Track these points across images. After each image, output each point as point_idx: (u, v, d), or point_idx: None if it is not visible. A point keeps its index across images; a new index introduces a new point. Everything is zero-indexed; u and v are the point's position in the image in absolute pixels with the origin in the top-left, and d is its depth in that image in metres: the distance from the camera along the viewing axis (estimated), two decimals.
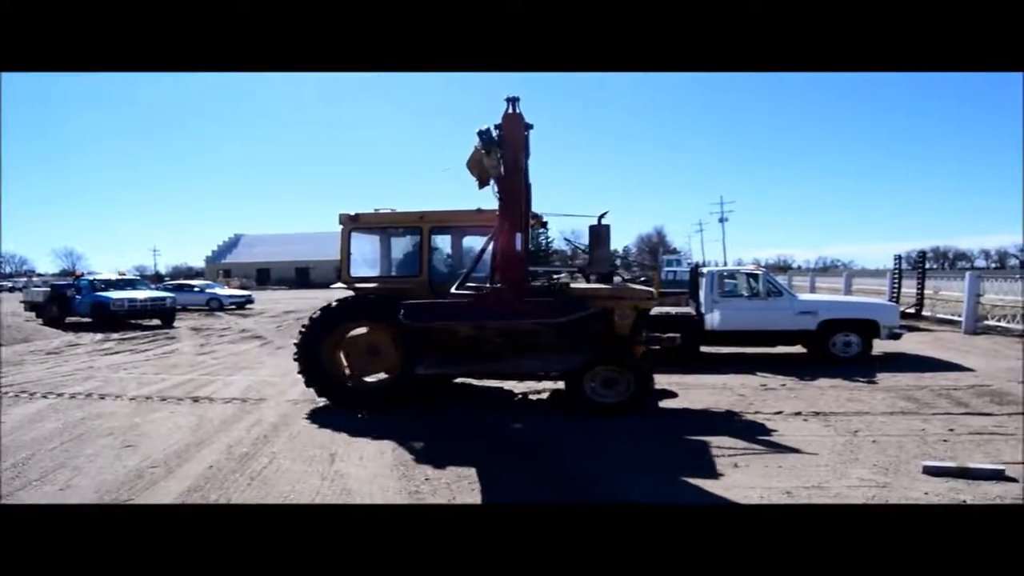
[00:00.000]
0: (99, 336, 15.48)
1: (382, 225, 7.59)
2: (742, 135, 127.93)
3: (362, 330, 7.17)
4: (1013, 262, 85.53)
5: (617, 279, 7.53)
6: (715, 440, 5.51)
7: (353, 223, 7.37)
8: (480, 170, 5.99)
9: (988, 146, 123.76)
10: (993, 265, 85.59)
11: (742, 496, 4.21)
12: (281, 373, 9.40)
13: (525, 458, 5.20)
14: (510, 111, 5.77)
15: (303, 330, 7.20)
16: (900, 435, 5.54)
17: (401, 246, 7.88)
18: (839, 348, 9.58)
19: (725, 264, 47.79)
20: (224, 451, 5.44)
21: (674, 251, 60.19)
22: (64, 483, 4.72)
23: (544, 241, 34.11)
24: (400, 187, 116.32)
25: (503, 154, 5.69)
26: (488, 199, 6.25)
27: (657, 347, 7.54)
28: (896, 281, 15.97)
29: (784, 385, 7.93)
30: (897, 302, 14.15)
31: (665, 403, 7.10)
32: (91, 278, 19.76)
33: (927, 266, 16.82)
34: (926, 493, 4.17)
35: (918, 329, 13.55)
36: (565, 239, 30.01)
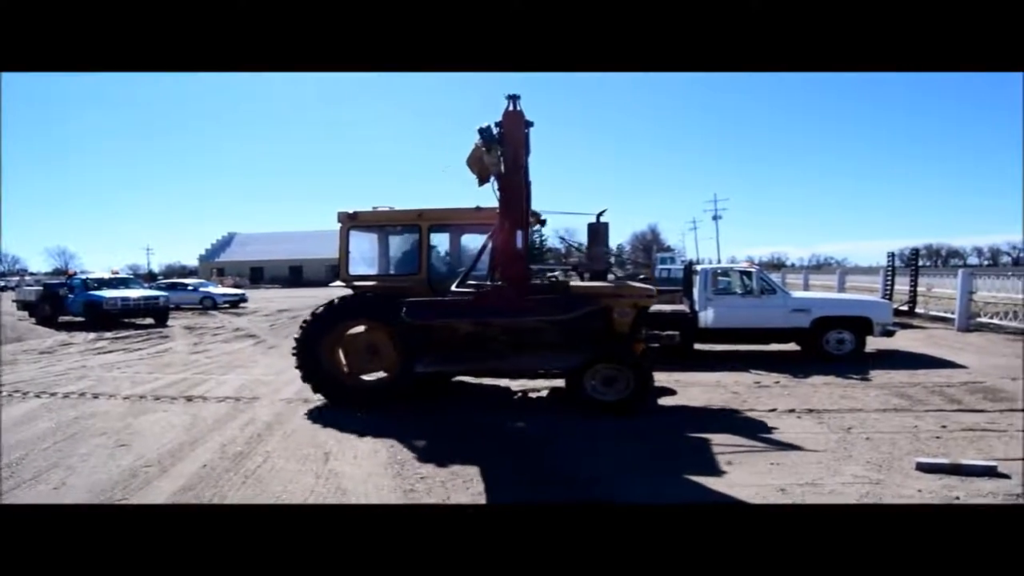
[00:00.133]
0: (92, 335, 15.38)
1: (380, 223, 7.56)
2: (736, 133, 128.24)
3: (360, 328, 7.16)
4: (1006, 259, 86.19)
5: (611, 276, 7.52)
6: (713, 437, 5.51)
7: (351, 221, 7.34)
8: (480, 167, 5.98)
9: (983, 146, 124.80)
10: (986, 262, 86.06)
11: (737, 494, 4.22)
12: (275, 372, 9.37)
13: (524, 456, 5.20)
14: (511, 108, 5.75)
15: (304, 326, 7.17)
16: (893, 432, 5.56)
17: (400, 244, 7.86)
18: (832, 345, 9.60)
19: (719, 262, 47.92)
20: (218, 450, 5.43)
21: (668, 249, 60.04)
22: (58, 482, 4.69)
23: (539, 239, 34.18)
24: (400, 187, 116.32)
25: (504, 151, 5.68)
26: (487, 197, 6.26)
27: (656, 345, 7.55)
28: (889, 278, 16.00)
29: (778, 382, 7.95)
30: (890, 299, 14.19)
31: (664, 400, 7.11)
32: (84, 277, 19.66)
33: (920, 263, 16.88)
34: (919, 490, 4.20)
35: (911, 326, 13.61)
36: (560, 237, 30.10)
